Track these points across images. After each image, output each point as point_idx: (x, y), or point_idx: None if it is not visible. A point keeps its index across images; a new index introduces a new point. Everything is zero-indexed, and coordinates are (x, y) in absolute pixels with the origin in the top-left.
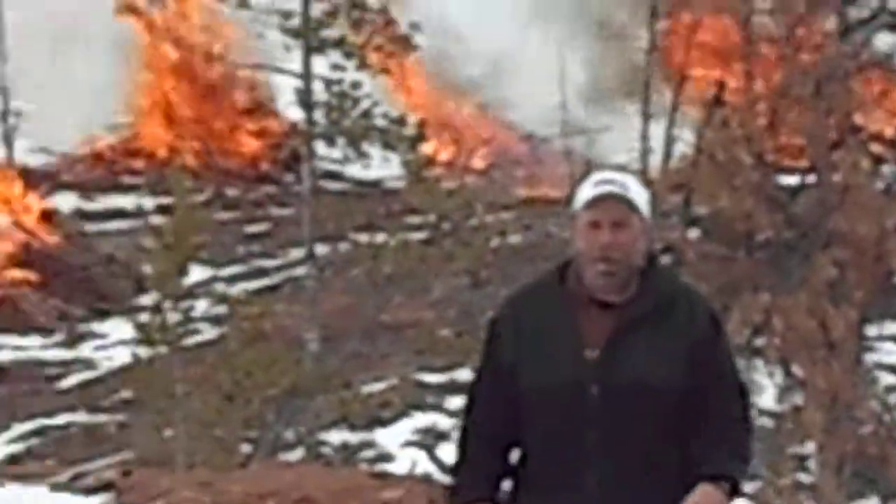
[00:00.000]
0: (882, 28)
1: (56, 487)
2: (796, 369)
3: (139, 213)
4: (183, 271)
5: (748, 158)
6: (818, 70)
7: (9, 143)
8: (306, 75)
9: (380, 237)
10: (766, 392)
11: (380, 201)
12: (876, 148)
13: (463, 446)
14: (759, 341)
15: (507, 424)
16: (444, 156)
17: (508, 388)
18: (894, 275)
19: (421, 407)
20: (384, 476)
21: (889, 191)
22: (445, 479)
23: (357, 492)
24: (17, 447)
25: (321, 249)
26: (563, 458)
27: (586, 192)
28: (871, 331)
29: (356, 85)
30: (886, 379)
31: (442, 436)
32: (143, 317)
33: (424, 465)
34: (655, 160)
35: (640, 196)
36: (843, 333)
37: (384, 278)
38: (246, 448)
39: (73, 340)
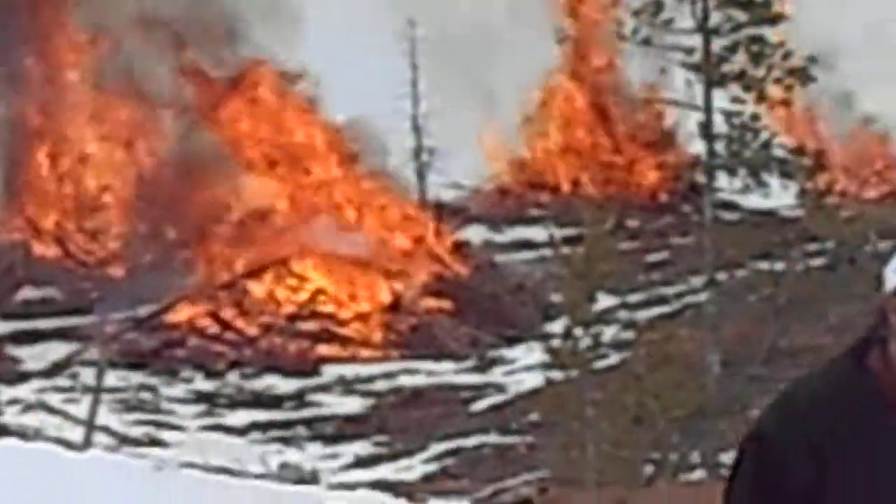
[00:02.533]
0: None
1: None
2: None
3: (546, 244)
4: (592, 298)
5: None
6: None
7: (422, 179)
8: (707, 109)
9: (778, 265)
10: None
11: (775, 230)
12: None
13: None
14: None
15: None
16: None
17: None
18: None
19: None
20: None
21: None
22: None
23: None
24: (432, 466)
25: (720, 276)
26: None
27: None
28: None
29: (755, 117)
30: None
31: None
32: (554, 342)
33: None
34: None
35: None
36: None
37: (783, 304)
38: (648, 468)
39: (484, 365)
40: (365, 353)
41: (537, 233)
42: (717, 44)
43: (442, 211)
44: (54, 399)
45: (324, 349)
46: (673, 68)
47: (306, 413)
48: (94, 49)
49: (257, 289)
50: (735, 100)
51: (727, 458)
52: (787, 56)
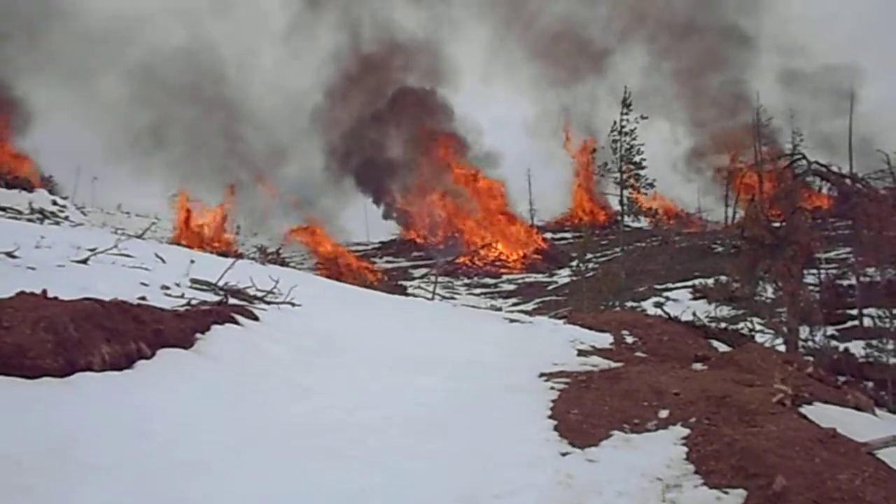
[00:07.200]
0: None
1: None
2: None
3: (571, 236)
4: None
5: None
6: None
7: (532, 216)
8: (621, 194)
9: (640, 244)
10: None
11: (647, 234)
12: None
13: None
14: None
15: None
16: None
17: None
18: None
19: None
20: None
21: None
22: None
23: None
24: (536, 306)
25: (627, 248)
26: None
27: None
28: None
29: (634, 199)
30: None
31: None
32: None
33: None
34: None
35: None
36: None
37: (641, 258)
38: (601, 308)
39: (552, 273)
40: (514, 272)
41: (566, 234)
42: (625, 176)
43: (538, 227)
44: (423, 286)
45: (502, 270)
46: (609, 183)
47: (498, 289)
48: None
49: (483, 251)
50: (630, 193)
51: (629, 305)
52: (647, 178)
